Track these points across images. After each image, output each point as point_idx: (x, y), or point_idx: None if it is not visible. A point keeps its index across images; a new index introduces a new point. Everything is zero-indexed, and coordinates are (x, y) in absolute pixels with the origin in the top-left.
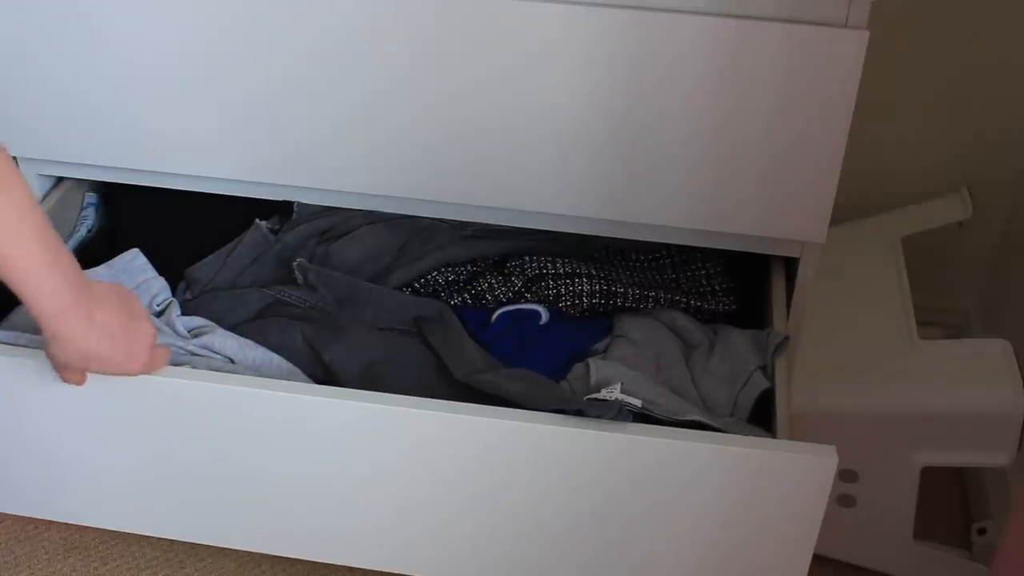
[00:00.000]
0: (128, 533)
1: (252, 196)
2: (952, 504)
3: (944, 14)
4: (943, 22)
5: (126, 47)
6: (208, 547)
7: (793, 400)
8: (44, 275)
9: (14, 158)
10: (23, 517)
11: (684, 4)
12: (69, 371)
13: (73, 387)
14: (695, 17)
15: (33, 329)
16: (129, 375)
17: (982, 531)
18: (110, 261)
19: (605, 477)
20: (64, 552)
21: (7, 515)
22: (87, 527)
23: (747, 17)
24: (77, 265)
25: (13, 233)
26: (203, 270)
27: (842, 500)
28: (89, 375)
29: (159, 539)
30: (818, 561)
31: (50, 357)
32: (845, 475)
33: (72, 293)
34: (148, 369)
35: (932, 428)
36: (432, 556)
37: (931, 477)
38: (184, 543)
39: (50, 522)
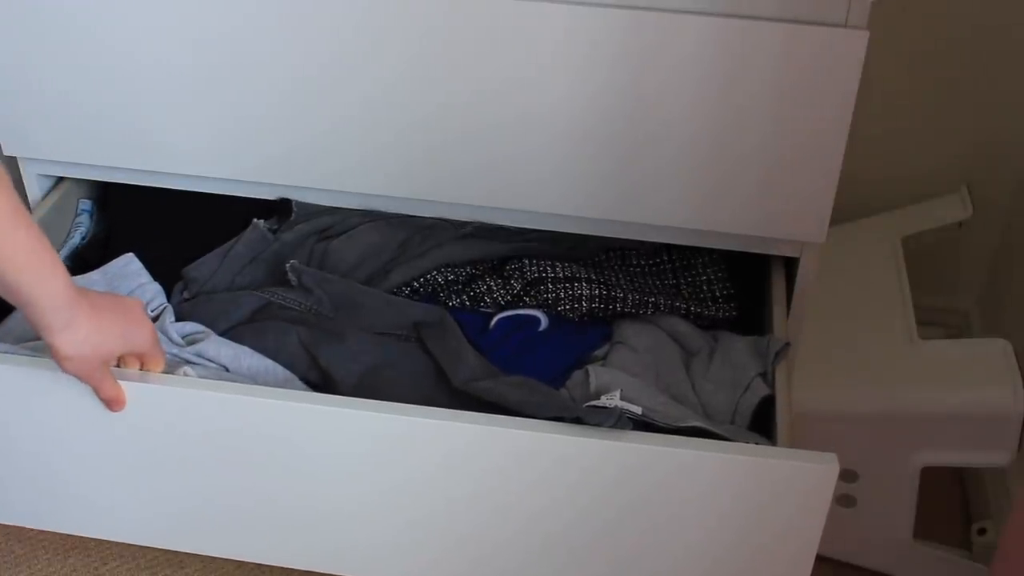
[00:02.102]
0: None
1: (253, 196)
2: (952, 504)
3: (944, 14)
4: (943, 22)
5: (127, 47)
6: None
7: (793, 400)
8: (47, 270)
9: (14, 158)
10: None
11: (684, 4)
12: (89, 368)
13: (66, 396)
14: (695, 17)
15: (28, 336)
16: (142, 344)
17: (982, 531)
18: (104, 266)
19: (606, 486)
20: (64, 552)
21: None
22: None
23: (747, 17)
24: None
25: (10, 227)
26: (201, 269)
27: (842, 500)
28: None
29: None
30: (818, 561)
31: (66, 362)
32: (845, 475)
33: (72, 286)
34: (154, 337)
35: (932, 428)
36: (432, 566)
37: (931, 477)
38: None
39: None
